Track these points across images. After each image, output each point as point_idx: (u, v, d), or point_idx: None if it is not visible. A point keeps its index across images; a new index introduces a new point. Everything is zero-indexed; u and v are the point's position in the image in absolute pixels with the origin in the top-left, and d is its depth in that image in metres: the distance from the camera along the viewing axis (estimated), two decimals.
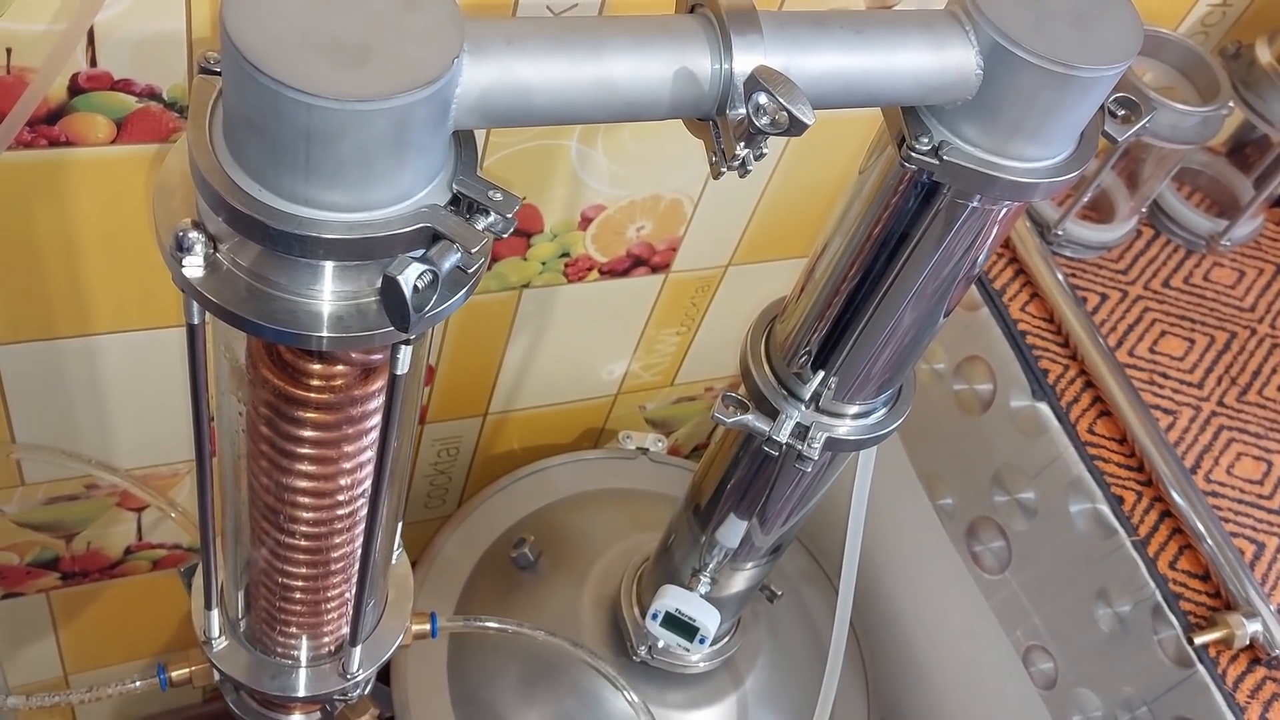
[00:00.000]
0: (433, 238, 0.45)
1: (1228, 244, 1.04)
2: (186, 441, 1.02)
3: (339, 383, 0.56)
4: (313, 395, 0.56)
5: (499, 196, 0.46)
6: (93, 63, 0.69)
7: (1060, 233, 1.00)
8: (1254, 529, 0.90)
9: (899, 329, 0.65)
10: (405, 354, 0.50)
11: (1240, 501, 0.91)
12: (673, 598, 0.84)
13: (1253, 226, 1.06)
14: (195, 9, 0.68)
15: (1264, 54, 0.96)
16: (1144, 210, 1.03)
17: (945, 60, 0.51)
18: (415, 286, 0.44)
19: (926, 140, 0.53)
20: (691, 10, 0.49)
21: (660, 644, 0.92)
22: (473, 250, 0.44)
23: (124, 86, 0.71)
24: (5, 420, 0.91)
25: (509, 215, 0.46)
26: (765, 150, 0.47)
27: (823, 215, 1.06)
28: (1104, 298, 1.00)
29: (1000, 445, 0.97)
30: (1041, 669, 0.96)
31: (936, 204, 0.58)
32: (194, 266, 0.46)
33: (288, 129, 0.41)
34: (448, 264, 0.44)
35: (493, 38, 0.44)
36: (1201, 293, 1.03)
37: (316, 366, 0.56)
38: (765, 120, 0.46)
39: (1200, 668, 0.83)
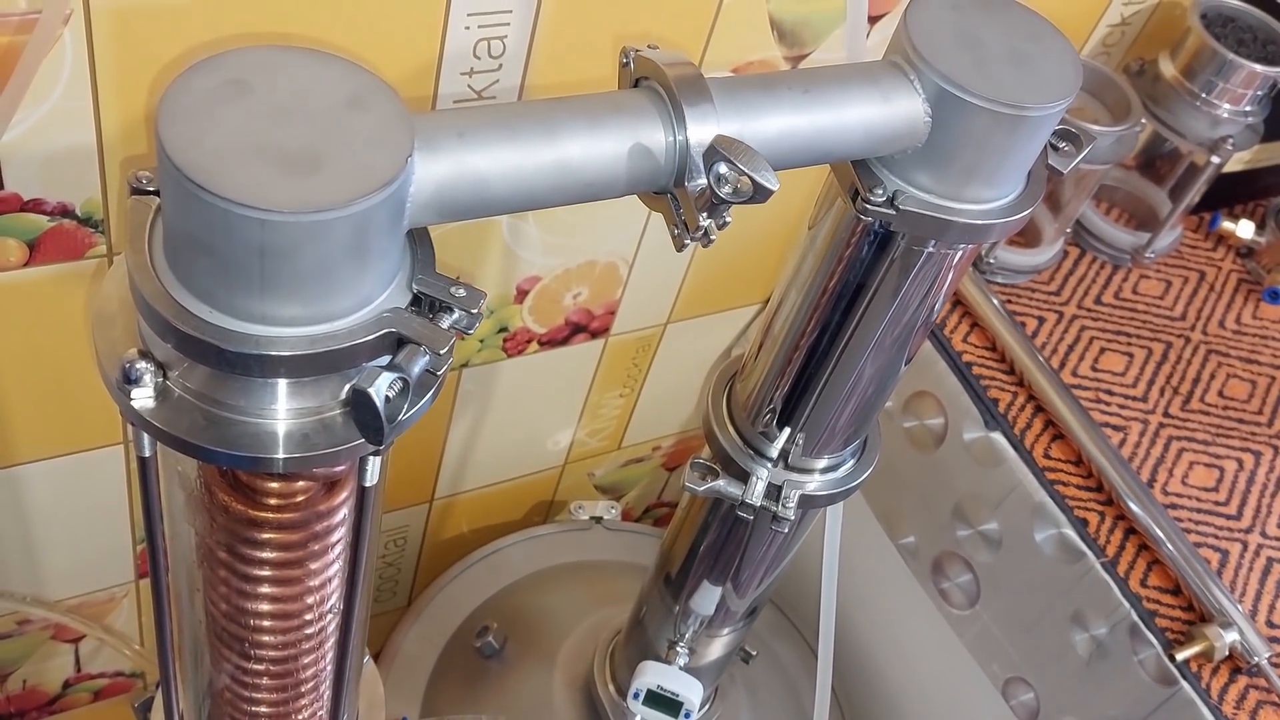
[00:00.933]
0: (398, 342, 0.43)
1: (1151, 256, 1.06)
2: (121, 565, 0.98)
3: (300, 499, 0.53)
4: (273, 515, 0.53)
5: (462, 292, 0.44)
6: None
7: (992, 260, 1.00)
8: (1215, 537, 0.90)
9: (862, 379, 0.64)
10: (375, 465, 0.47)
11: (1199, 510, 0.91)
12: (653, 674, 0.82)
13: (1173, 237, 1.08)
14: (105, 120, 0.65)
15: (1167, 69, 0.98)
16: (1069, 231, 1.05)
17: (893, 111, 0.50)
18: (386, 396, 0.41)
19: (881, 191, 0.52)
20: (636, 84, 0.48)
21: None
22: (441, 352, 0.42)
23: (34, 207, 0.68)
24: None
25: (474, 310, 0.44)
26: (729, 219, 0.46)
27: (756, 266, 1.05)
28: (1041, 320, 1.00)
29: (958, 478, 0.97)
30: (1023, 700, 0.96)
31: (891, 252, 0.57)
32: (144, 398, 0.43)
33: (240, 247, 0.39)
34: (417, 369, 0.42)
35: (443, 132, 0.43)
36: (1133, 306, 1.04)
37: (275, 485, 0.53)
38: (728, 190, 0.45)
39: (1184, 684, 0.83)
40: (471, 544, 1.14)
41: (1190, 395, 0.99)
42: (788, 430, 0.68)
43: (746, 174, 0.43)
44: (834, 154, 0.51)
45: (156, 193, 0.44)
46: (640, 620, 0.89)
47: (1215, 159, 0.98)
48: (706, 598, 0.82)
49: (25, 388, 0.78)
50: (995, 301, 0.99)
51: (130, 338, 0.45)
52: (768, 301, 1.09)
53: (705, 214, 0.46)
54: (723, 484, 0.68)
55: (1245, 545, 0.90)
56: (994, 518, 0.95)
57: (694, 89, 0.45)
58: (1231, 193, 1.12)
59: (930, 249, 0.57)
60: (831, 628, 0.83)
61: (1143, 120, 0.95)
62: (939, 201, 0.53)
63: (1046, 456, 0.93)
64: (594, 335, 1.03)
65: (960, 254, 0.58)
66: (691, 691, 0.82)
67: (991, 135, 0.51)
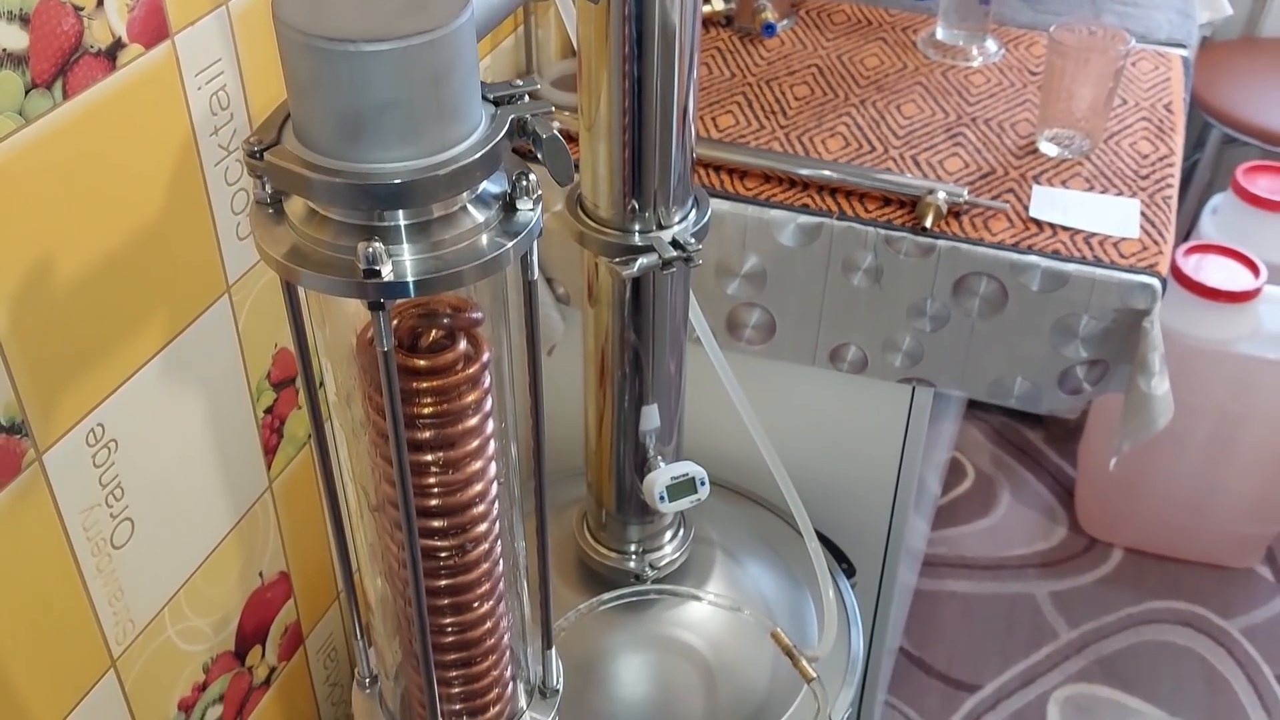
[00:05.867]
0: (520, 126, 0.55)
1: None
2: None
3: (458, 369, 0.62)
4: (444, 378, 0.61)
5: (519, 82, 0.57)
6: None
7: None
8: (875, 161, 1.19)
9: (686, 110, 0.82)
10: (535, 255, 0.58)
11: (853, 160, 1.19)
12: (659, 476, 0.95)
13: None
14: None
15: None
16: None
17: None
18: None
19: None
20: None
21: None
22: (552, 110, 0.55)
23: None
24: None
25: (536, 85, 0.57)
26: None
27: None
28: None
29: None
30: (851, 360, 1.19)
31: None
32: (389, 268, 0.52)
33: (420, 82, 0.50)
34: (554, 124, 0.55)
35: None
36: (702, 88, 1.31)
37: (424, 363, 0.62)
38: None
39: (940, 241, 1.10)
40: None
41: (784, 110, 1.27)
42: (652, 203, 0.84)
43: None
44: None
45: (268, 148, 0.53)
46: (610, 478, 1.01)
47: None
48: (649, 416, 0.96)
49: (10, 629, 0.75)
50: None
51: (326, 258, 0.53)
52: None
53: None
54: (642, 260, 0.83)
55: (892, 159, 1.20)
56: (745, 259, 1.16)
57: None
58: None
59: None
60: (749, 409, 0.99)
61: None
62: None
63: (747, 189, 1.16)
64: None
65: None
66: (692, 467, 0.96)
67: None
